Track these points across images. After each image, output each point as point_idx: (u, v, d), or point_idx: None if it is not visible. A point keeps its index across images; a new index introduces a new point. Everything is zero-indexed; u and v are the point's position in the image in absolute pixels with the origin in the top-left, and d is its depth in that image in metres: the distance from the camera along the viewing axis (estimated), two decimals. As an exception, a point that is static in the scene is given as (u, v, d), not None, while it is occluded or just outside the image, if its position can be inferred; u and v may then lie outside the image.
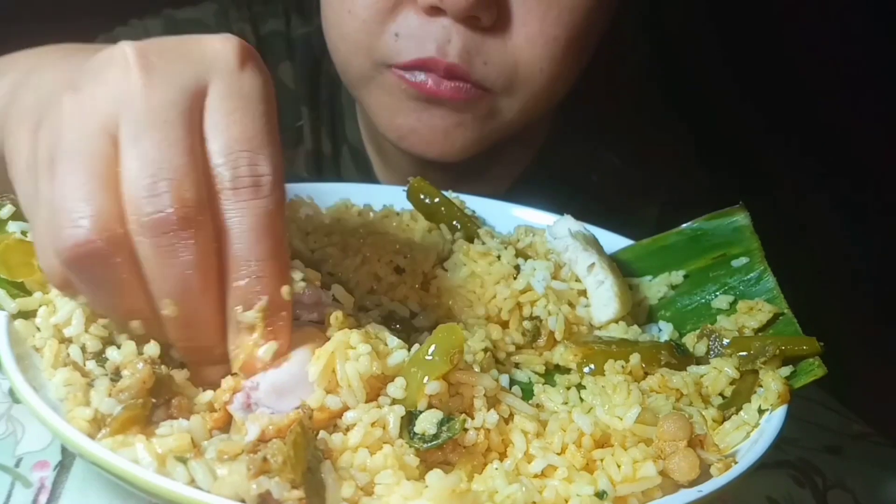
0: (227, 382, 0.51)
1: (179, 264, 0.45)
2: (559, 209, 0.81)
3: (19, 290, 0.57)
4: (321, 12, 0.95)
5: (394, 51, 0.87)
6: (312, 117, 1.12)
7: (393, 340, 0.54)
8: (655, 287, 0.76)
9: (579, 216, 0.80)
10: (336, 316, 0.54)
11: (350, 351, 0.51)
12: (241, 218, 0.46)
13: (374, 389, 0.52)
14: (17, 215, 0.62)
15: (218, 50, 0.48)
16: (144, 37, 0.50)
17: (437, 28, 0.85)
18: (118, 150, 0.45)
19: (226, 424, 0.51)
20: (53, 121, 0.46)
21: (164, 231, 0.44)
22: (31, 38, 0.71)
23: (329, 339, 0.52)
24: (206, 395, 0.51)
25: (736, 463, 0.53)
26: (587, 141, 1.14)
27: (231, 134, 0.46)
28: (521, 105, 0.92)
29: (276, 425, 0.48)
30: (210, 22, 1.10)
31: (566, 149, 1.12)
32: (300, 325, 0.54)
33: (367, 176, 1.12)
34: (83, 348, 0.54)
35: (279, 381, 0.50)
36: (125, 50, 0.47)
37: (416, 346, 0.55)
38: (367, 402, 0.51)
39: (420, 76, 0.87)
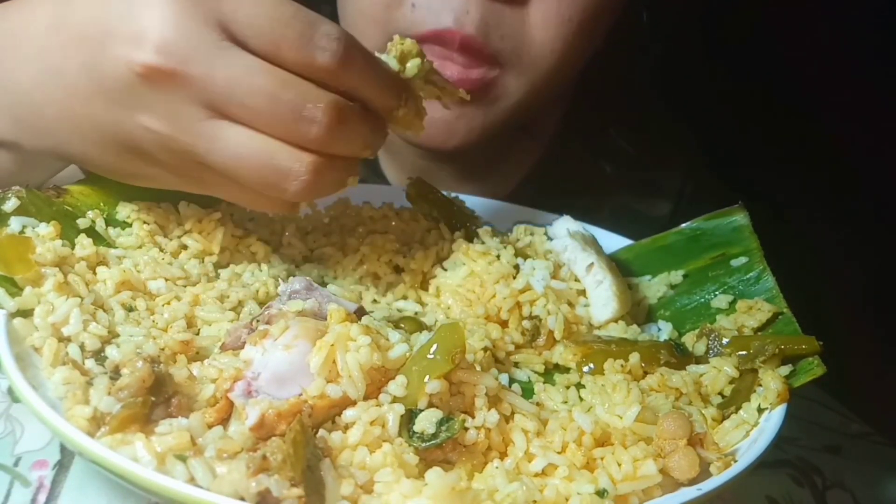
0: (229, 371, 0.51)
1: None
2: (568, 206, 0.81)
3: (11, 285, 0.57)
4: None
5: (410, 22, 0.87)
6: None
7: (394, 335, 0.54)
8: (655, 287, 0.76)
9: (588, 213, 0.79)
10: (336, 310, 0.54)
11: (350, 342, 0.51)
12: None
13: (375, 383, 0.52)
14: (21, 210, 0.62)
15: None
16: None
17: None
18: None
19: (226, 418, 0.51)
20: None
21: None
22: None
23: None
24: (207, 391, 0.51)
25: (735, 461, 0.53)
26: (597, 135, 1.12)
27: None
28: (528, 86, 0.91)
29: (277, 409, 0.48)
30: None
31: (576, 142, 1.11)
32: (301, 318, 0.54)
33: (373, 171, 1.11)
34: (82, 347, 0.54)
35: (280, 371, 0.51)
36: None
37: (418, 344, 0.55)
38: (367, 396, 0.51)
39: (434, 50, 0.86)
